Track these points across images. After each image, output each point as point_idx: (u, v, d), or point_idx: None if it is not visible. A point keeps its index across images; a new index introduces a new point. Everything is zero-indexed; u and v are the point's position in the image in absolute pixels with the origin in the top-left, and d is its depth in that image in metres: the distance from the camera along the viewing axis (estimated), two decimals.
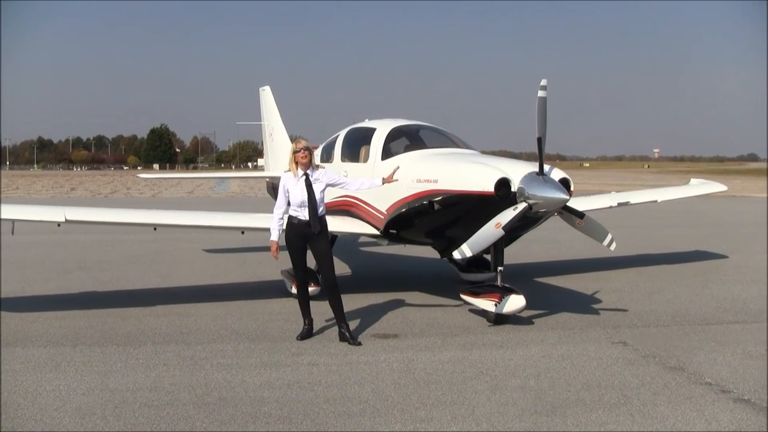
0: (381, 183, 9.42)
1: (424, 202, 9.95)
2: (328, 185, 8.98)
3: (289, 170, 8.91)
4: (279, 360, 7.93)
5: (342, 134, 12.69)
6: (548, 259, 15.97)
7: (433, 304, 10.96)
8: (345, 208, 11.58)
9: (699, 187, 17.04)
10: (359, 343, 8.59)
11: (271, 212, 9.20)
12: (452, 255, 9.69)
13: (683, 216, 27.94)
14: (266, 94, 18.54)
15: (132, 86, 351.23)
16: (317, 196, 8.75)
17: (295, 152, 8.82)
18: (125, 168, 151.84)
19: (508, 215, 8.90)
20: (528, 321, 9.79)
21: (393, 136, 11.39)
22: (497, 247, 9.53)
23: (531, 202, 8.93)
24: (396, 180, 9.48)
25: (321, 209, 8.83)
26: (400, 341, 8.80)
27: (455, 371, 7.53)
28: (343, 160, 12.25)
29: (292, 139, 17.46)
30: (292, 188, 8.79)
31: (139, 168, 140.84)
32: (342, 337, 8.72)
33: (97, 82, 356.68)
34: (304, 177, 8.76)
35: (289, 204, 8.86)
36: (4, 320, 9.72)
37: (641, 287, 12.57)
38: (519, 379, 7.26)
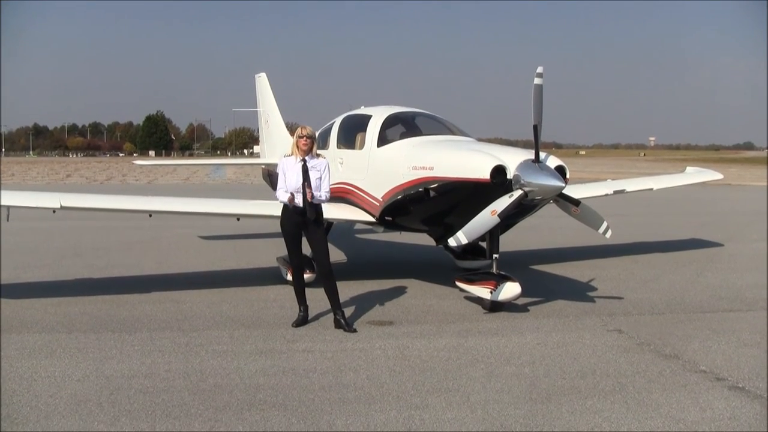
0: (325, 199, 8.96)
1: (420, 190, 9.92)
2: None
3: (290, 154, 8.87)
4: (274, 347, 7.93)
5: (338, 121, 12.64)
6: (544, 247, 15.97)
7: (429, 291, 10.96)
8: (341, 195, 11.55)
9: (695, 175, 17.06)
10: (354, 330, 8.59)
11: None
12: (448, 242, 9.69)
13: (679, 204, 27.96)
14: (262, 81, 18.46)
15: (128, 73, 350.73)
16: (313, 183, 8.71)
17: (298, 137, 8.78)
18: (121, 155, 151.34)
19: (503, 202, 8.88)
20: (523, 308, 9.80)
21: (389, 123, 11.35)
22: (493, 235, 9.52)
23: (527, 189, 8.92)
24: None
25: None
26: (395, 328, 8.81)
27: (450, 358, 7.54)
28: (338, 146, 12.21)
29: (288, 126, 17.42)
30: (290, 173, 8.75)
31: (134, 155, 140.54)
32: (337, 324, 8.72)
33: (93, 69, 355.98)
34: (302, 162, 8.72)
35: None
36: None
37: (636, 275, 12.58)
38: (514, 367, 7.27)
